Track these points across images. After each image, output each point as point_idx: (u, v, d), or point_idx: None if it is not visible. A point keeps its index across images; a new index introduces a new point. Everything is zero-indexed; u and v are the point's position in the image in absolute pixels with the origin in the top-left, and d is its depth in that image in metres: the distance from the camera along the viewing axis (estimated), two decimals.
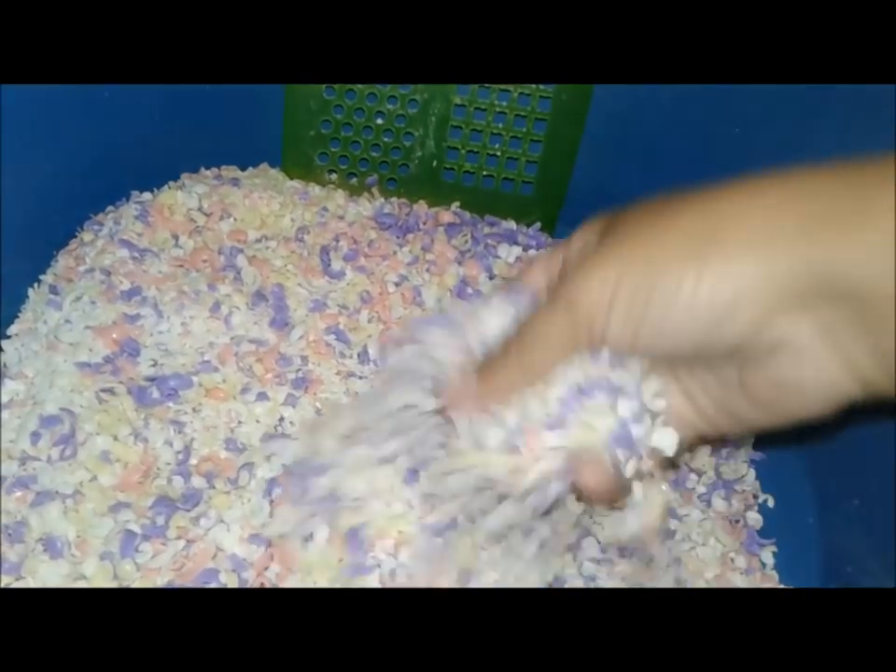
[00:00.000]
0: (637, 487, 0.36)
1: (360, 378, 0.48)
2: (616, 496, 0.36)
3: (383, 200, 0.58)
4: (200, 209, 0.53)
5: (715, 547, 0.45)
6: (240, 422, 0.45)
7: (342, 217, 0.55)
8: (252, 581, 0.38)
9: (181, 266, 0.50)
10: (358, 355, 0.48)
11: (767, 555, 0.47)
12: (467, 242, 0.55)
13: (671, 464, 0.46)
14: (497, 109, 0.55)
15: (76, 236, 0.52)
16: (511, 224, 0.58)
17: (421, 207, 0.58)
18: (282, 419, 0.45)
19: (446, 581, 0.37)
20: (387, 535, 0.39)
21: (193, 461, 0.43)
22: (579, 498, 0.39)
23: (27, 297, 0.49)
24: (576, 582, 0.42)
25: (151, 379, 0.44)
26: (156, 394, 0.44)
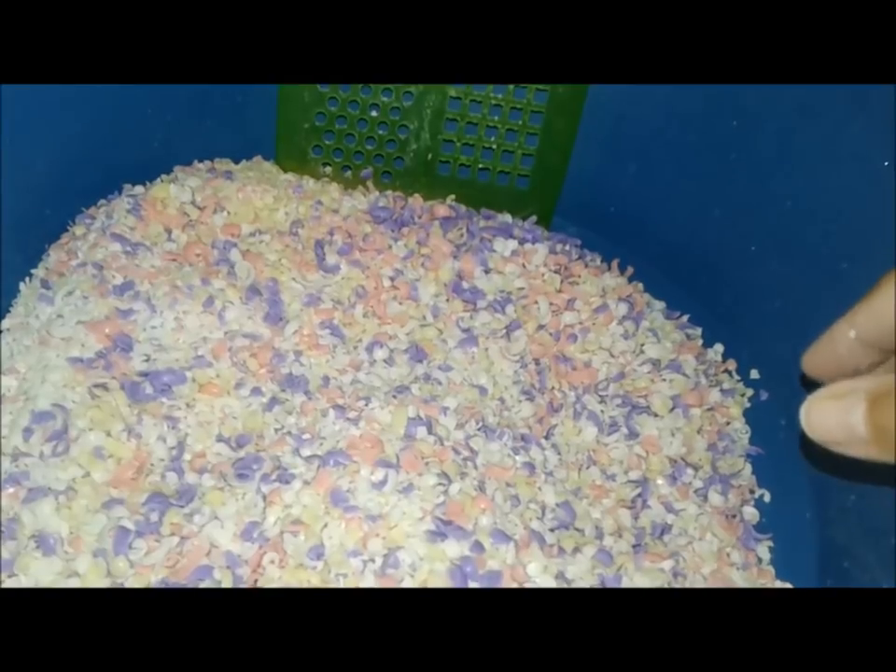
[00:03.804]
0: None
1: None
2: None
3: (377, 193, 0.58)
4: (193, 202, 0.52)
5: (711, 542, 0.45)
6: (234, 417, 0.44)
7: (336, 211, 0.55)
8: (247, 577, 0.38)
9: (174, 260, 0.50)
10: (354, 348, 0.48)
11: (764, 550, 0.47)
12: (462, 236, 0.55)
13: None
14: (493, 102, 0.55)
15: (67, 230, 0.52)
16: (507, 217, 0.58)
17: (416, 201, 0.57)
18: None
19: None
20: None
21: (187, 457, 0.43)
22: None
23: (18, 291, 0.49)
24: None
25: (144, 374, 0.44)
26: (149, 389, 0.44)
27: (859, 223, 0.46)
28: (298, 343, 0.48)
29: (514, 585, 0.38)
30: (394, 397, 0.45)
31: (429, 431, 0.43)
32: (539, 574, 0.39)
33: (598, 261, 0.57)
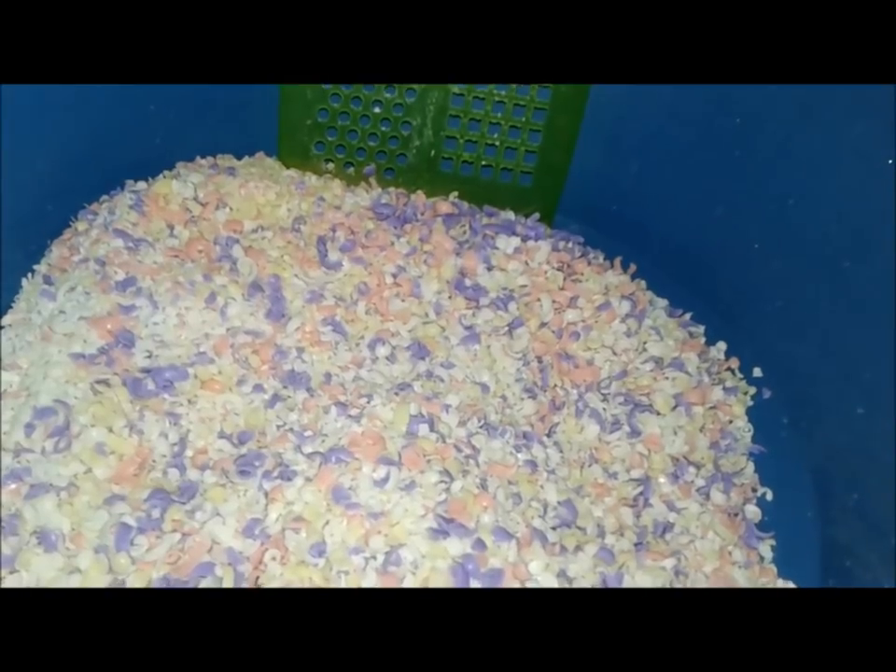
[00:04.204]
0: None
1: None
2: None
3: (380, 190, 0.57)
4: (195, 198, 0.52)
5: (713, 540, 0.45)
6: (236, 414, 0.44)
7: (338, 208, 0.55)
8: (248, 574, 0.38)
9: (176, 256, 0.50)
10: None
11: (766, 549, 0.47)
12: (465, 232, 0.55)
13: None
14: (496, 98, 0.55)
15: (70, 226, 0.52)
16: (510, 214, 0.58)
17: (419, 197, 0.57)
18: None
19: None
20: None
21: (189, 453, 0.43)
22: None
23: (21, 287, 0.49)
24: None
25: (146, 370, 0.44)
26: (151, 385, 0.44)
27: (860, 222, 0.46)
28: (300, 339, 0.48)
29: (516, 583, 0.38)
30: (396, 394, 0.45)
31: (431, 429, 0.43)
32: (540, 572, 0.39)
33: (601, 259, 0.57)
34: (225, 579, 0.38)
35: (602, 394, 0.50)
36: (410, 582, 0.37)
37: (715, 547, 0.45)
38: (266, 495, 0.40)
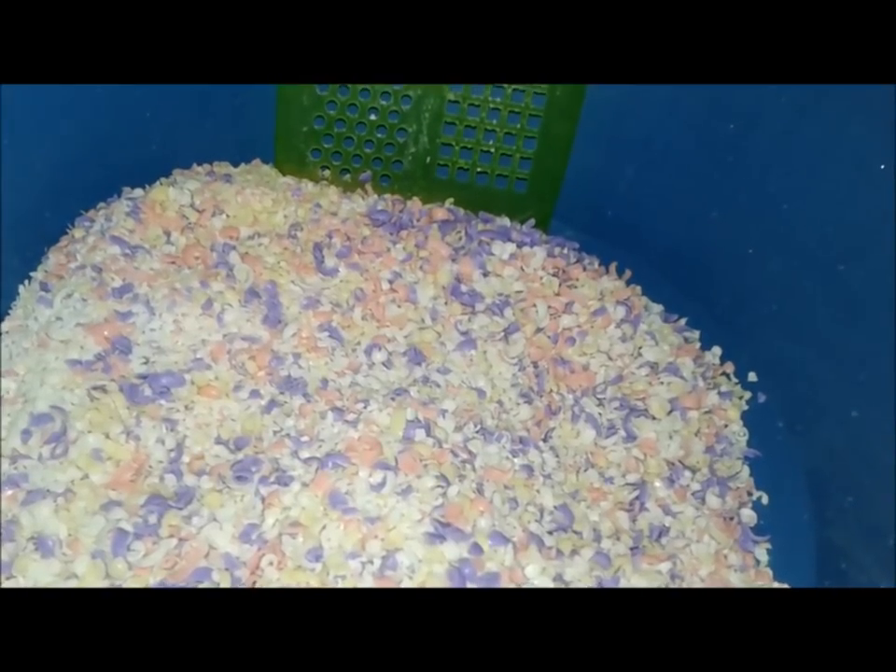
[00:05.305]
0: None
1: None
2: None
3: (376, 196, 0.58)
4: (192, 205, 0.53)
5: (709, 544, 0.45)
6: (232, 419, 0.44)
7: (335, 214, 0.55)
8: (245, 579, 0.38)
9: (173, 263, 0.50)
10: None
11: (761, 552, 0.47)
12: (461, 239, 0.55)
13: None
14: (491, 105, 0.55)
15: (66, 233, 0.52)
16: (506, 221, 0.58)
17: (415, 204, 0.57)
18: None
19: None
20: None
21: (186, 459, 0.43)
22: None
23: (18, 294, 0.49)
24: None
25: (143, 377, 0.44)
26: (148, 392, 0.44)
27: (856, 225, 0.46)
28: (296, 345, 0.48)
29: (512, 587, 0.38)
30: (392, 399, 0.45)
31: (428, 433, 0.43)
32: (537, 576, 0.39)
33: (596, 265, 0.57)
34: (222, 584, 0.38)
35: (598, 399, 0.50)
36: (406, 587, 0.37)
37: (711, 551, 0.45)
38: (263, 500, 0.40)
